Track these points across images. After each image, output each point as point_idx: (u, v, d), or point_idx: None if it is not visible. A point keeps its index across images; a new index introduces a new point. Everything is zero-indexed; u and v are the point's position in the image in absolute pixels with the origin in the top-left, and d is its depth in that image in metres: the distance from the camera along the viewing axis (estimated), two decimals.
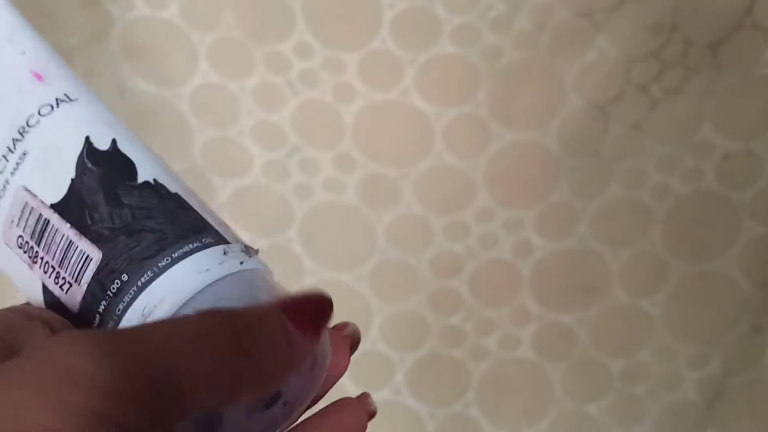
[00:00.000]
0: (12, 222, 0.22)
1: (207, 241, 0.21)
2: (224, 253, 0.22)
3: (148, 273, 0.21)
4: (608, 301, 0.50)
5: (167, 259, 0.21)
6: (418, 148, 0.47)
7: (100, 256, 0.21)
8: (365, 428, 0.23)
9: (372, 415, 0.24)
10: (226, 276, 0.21)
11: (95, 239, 0.21)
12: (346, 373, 0.59)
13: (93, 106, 0.24)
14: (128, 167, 0.23)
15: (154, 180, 0.23)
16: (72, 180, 0.22)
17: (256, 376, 0.18)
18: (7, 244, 0.23)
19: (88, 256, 0.21)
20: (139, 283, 0.20)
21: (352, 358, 0.57)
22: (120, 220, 0.22)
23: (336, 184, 0.48)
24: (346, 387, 0.53)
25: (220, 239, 0.22)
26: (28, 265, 0.22)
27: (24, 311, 0.21)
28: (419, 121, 0.46)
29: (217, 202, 0.49)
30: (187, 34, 0.45)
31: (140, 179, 0.23)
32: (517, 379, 0.52)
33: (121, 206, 0.22)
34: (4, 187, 0.23)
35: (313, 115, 0.46)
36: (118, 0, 0.45)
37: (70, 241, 0.21)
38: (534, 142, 0.46)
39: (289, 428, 0.22)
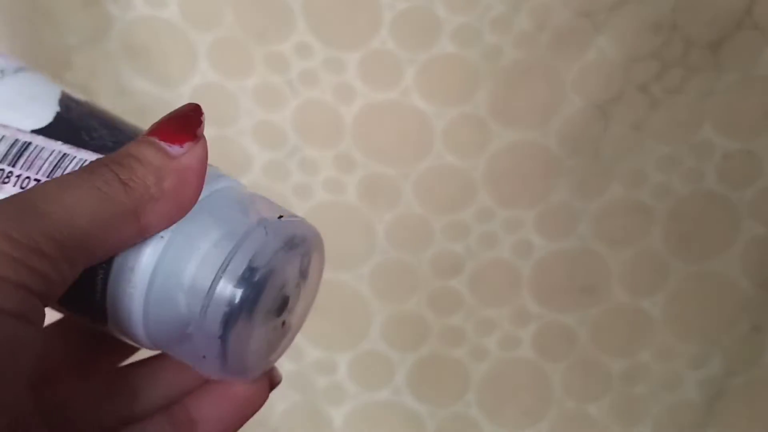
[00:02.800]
0: None
1: None
2: (220, 173, 0.23)
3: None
4: (608, 301, 0.50)
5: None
6: (418, 148, 0.47)
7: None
8: (266, 398, 0.23)
9: (274, 385, 0.24)
10: (224, 187, 0.22)
11: (97, 149, 0.21)
12: (346, 373, 0.59)
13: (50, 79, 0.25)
14: (109, 112, 0.24)
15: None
16: (57, 112, 0.22)
17: (146, 202, 0.19)
18: None
19: (88, 160, 0.21)
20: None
21: (353, 357, 0.57)
22: (122, 136, 0.22)
23: (336, 184, 0.48)
24: (347, 388, 0.53)
25: None
26: None
27: None
28: (419, 121, 0.46)
29: None
30: (187, 34, 0.45)
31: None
32: (517, 379, 0.52)
33: (118, 129, 0.22)
34: None
35: (313, 115, 0.46)
36: (118, 0, 0.44)
37: (64, 153, 0.21)
38: (534, 142, 0.46)
39: (185, 395, 0.23)
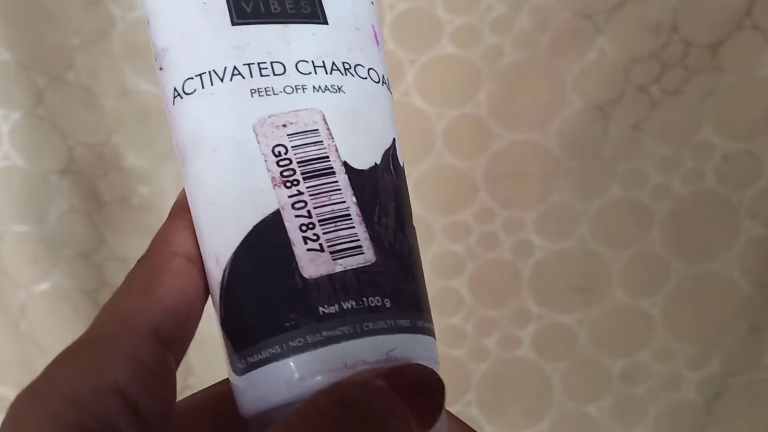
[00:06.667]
0: (283, 125, 0.18)
1: (430, 328, 0.20)
2: (436, 350, 0.20)
3: (408, 321, 0.19)
4: (608, 302, 0.50)
5: (421, 323, 0.19)
6: (418, 148, 0.47)
7: (374, 260, 0.18)
8: None
9: None
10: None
11: (373, 239, 0.18)
12: None
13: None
14: (408, 201, 0.21)
15: (414, 227, 0.21)
16: (376, 164, 0.19)
17: None
18: (254, 131, 0.18)
19: (360, 246, 0.18)
20: (398, 323, 0.18)
21: None
22: (400, 246, 0.19)
23: None
24: None
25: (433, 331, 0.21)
26: (273, 179, 0.18)
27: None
28: (419, 122, 0.46)
29: None
30: None
31: (413, 221, 0.21)
32: (517, 379, 0.52)
33: (403, 235, 0.19)
34: (297, 89, 0.19)
35: None
36: (119, 0, 0.44)
37: (348, 215, 0.18)
38: (534, 143, 0.46)
39: None
